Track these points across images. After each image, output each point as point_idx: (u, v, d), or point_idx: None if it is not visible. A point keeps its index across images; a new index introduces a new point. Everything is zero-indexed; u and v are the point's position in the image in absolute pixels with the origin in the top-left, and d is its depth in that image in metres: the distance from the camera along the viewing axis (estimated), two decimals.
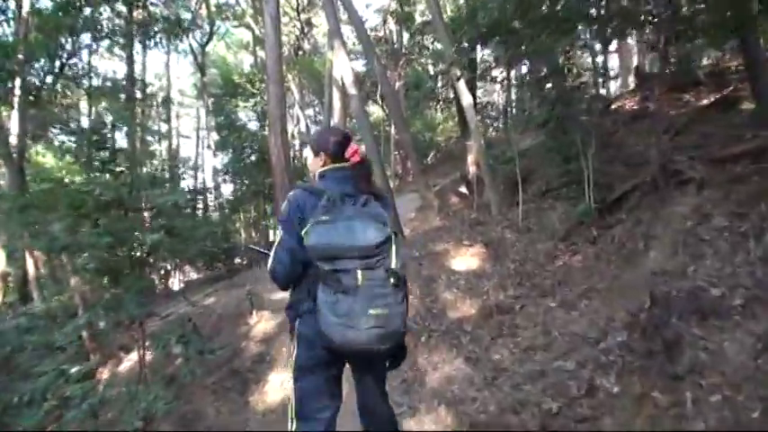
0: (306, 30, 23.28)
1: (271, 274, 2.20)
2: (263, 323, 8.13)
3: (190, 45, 20.22)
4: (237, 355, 7.35)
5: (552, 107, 7.83)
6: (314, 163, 2.41)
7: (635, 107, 12.09)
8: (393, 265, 2.02)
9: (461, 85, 9.62)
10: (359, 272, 1.94)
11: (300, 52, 23.57)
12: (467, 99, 9.67)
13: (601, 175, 6.93)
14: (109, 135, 7.10)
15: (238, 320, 8.60)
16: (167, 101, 23.43)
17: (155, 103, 22.43)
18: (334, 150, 2.33)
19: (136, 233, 6.27)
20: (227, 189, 20.79)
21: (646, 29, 8.17)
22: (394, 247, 2.05)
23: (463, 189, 12.13)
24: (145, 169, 19.85)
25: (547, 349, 4.88)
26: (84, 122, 20.84)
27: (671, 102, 10.65)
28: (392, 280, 2.00)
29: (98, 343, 9.01)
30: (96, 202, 6.18)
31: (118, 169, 6.60)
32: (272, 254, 2.18)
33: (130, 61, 19.22)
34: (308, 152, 2.49)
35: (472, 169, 11.38)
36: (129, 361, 8.78)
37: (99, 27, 16.97)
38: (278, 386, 6.46)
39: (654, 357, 3.54)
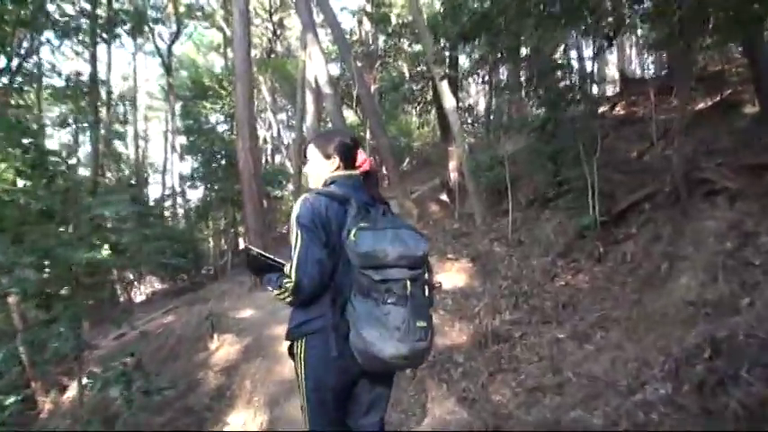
0: (278, 32, 22.21)
1: (294, 290, 1.85)
2: (225, 348, 7.07)
3: (155, 45, 18.95)
4: (193, 388, 6.28)
5: (552, 108, 7.00)
6: (322, 167, 2.12)
7: (622, 112, 11.44)
8: (426, 275, 1.86)
9: (444, 86, 8.75)
10: (408, 282, 1.76)
11: (273, 55, 22.47)
12: (449, 101, 8.80)
13: (602, 183, 6.10)
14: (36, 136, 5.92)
15: (198, 344, 7.51)
16: (132, 102, 22.08)
17: (120, 104, 21.05)
18: (347, 155, 2.10)
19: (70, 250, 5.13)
20: (197, 195, 19.63)
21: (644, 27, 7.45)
22: None
23: (444, 197, 11.25)
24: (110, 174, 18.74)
25: (559, 393, 3.98)
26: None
27: (660, 106, 10.01)
28: (427, 293, 1.84)
29: (38, 370, 7.80)
30: (25, 214, 5.09)
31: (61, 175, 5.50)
32: (293, 266, 1.84)
33: (94, 60, 17.95)
34: (312, 153, 2.16)
35: (453, 176, 10.52)
36: (73, 390, 7.61)
37: (60, 23, 15.65)
38: (239, 427, 5.43)
39: (719, 423, 2.66)
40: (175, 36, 19.17)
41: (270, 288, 1.98)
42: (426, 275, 1.86)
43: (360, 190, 2.04)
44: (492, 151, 9.63)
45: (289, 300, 1.90)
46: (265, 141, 24.27)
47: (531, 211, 8.20)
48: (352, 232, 1.80)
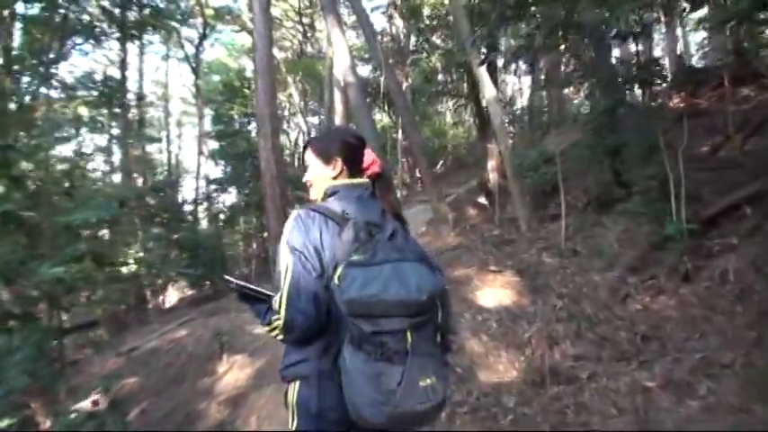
0: (308, 33, 21.39)
1: (284, 330, 1.49)
2: (234, 372, 6.06)
3: (182, 47, 18.32)
4: (192, 421, 5.26)
5: (612, 94, 5.78)
6: (322, 174, 1.72)
7: (681, 104, 10.01)
8: (440, 319, 1.44)
9: (483, 73, 7.57)
10: (408, 333, 1.36)
11: (303, 57, 21.67)
12: (489, 91, 7.62)
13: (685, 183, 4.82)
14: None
15: (207, 365, 6.52)
16: (165, 106, 21.66)
17: (151, 108, 20.64)
18: (351, 158, 1.71)
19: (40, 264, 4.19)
20: (231, 199, 18.93)
21: None
22: None
23: (482, 200, 10.03)
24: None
25: None
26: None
27: (727, 97, 8.61)
28: (439, 338, 1.45)
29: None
30: None
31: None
32: (282, 300, 1.48)
33: (123, 65, 17.52)
34: (309, 158, 1.76)
35: (493, 176, 9.32)
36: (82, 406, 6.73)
37: (90, 27, 15.32)
38: None
39: None
40: (202, 38, 18.50)
41: (260, 323, 1.62)
42: (440, 316, 1.45)
43: (367, 203, 1.67)
44: (541, 147, 8.38)
45: (281, 338, 1.55)
46: (296, 144, 23.48)
47: (586, 215, 6.96)
48: (339, 270, 1.42)
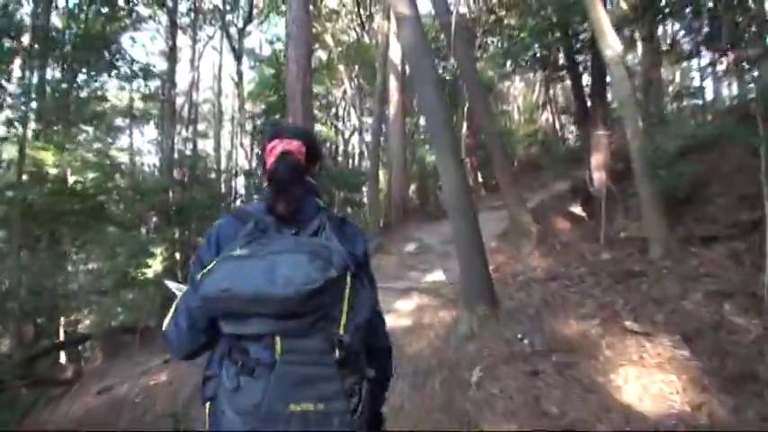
0: (366, 25, 19.00)
1: (164, 339, 1.25)
2: None
3: (226, 31, 16.39)
4: None
5: None
6: None
7: None
8: (342, 329, 1.05)
9: (604, 19, 4.76)
10: (277, 339, 1.03)
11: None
12: (613, 45, 4.78)
13: None
14: None
15: None
16: (217, 101, 20.01)
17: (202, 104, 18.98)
18: (261, 159, 1.64)
19: None
20: None
21: None
22: (347, 298, 1.07)
23: (576, 209, 7.11)
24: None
25: None
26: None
27: None
28: (337, 353, 1.04)
29: None
30: None
31: None
32: (171, 310, 1.24)
33: (173, 55, 15.89)
34: None
35: (598, 176, 6.40)
36: None
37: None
38: None
39: None
40: (246, 22, 16.65)
41: None
42: (343, 325, 1.05)
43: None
44: (698, 126, 5.43)
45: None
46: (348, 143, 21.18)
47: None
48: (212, 264, 1.08)
